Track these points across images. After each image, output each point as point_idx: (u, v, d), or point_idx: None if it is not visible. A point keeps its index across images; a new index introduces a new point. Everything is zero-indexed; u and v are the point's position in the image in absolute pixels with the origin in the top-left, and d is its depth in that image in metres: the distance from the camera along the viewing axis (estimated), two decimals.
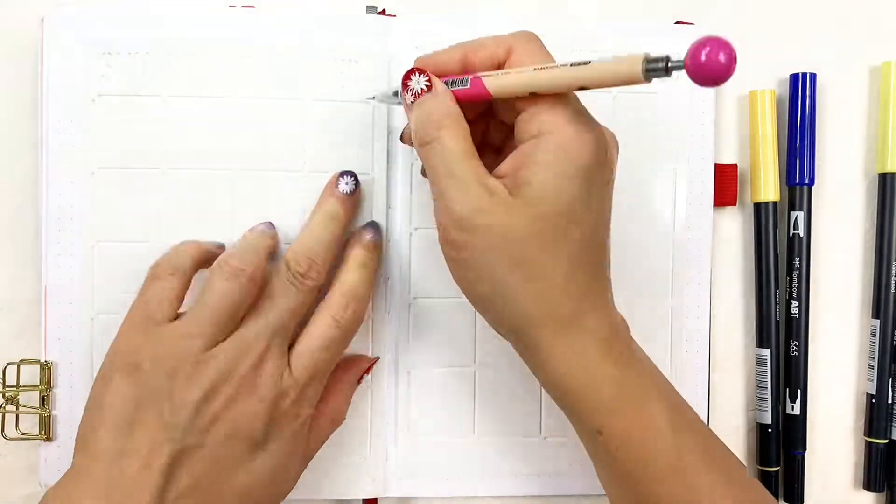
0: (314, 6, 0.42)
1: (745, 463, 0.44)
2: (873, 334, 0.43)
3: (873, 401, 0.43)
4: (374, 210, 0.40)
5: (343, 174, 0.38)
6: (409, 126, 0.33)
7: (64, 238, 0.40)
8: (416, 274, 0.41)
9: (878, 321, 0.43)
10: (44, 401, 0.40)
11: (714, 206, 0.42)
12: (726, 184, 0.43)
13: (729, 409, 0.44)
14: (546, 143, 0.30)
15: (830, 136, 0.44)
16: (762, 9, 0.44)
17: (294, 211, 0.40)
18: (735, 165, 0.43)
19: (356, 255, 0.37)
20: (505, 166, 0.32)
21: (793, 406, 0.43)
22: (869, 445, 0.44)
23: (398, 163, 0.41)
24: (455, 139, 0.31)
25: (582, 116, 0.31)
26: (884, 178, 0.43)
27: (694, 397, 0.42)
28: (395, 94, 0.36)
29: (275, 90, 0.40)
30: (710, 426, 0.42)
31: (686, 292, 0.42)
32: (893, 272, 0.43)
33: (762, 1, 0.44)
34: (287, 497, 0.39)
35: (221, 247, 0.39)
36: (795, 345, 0.43)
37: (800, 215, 0.43)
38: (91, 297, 0.40)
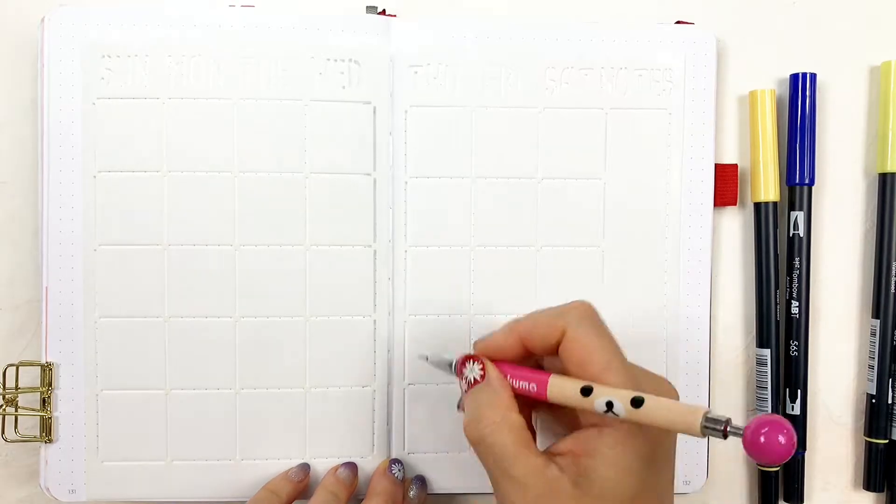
0: (314, 6, 0.42)
1: (745, 463, 0.44)
2: (873, 334, 0.43)
3: (873, 401, 0.43)
4: (376, 211, 0.40)
5: (394, 462, 0.41)
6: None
7: (64, 238, 0.40)
8: (412, 283, 0.41)
9: (878, 321, 0.43)
10: (44, 402, 0.40)
11: (714, 206, 0.42)
12: (726, 184, 0.43)
13: (729, 409, 0.44)
14: (606, 436, 0.30)
15: (830, 136, 0.44)
16: (762, 9, 0.44)
17: (294, 212, 0.40)
18: (735, 165, 0.43)
19: None
20: (566, 445, 0.31)
21: (793, 406, 0.43)
22: (869, 445, 0.44)
23: (399, 163, 0.41)
24: (504, 435, 0.31)
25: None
26: (884, 178, 0.43)
27: (694, 397, 0.42)
28: (449, 365, 0.35)
29: (275, 90, 0.40)
30: None
31: (686, 292, 0.42)
32: (893, 272, 0.43)
33: (762, 1, 0.44)
34: (288, 498, 0.39)
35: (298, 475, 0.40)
36: (795, 345, 0.43)
37: (800, 215, 0.43)
38: (92, 298, 0.40)
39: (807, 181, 0.43)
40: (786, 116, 0.43)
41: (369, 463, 0.41)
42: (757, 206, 0.43)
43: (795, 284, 0.43)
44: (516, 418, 0.31)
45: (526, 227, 0.41)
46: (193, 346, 0.40)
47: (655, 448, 0.30)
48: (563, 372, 0.31)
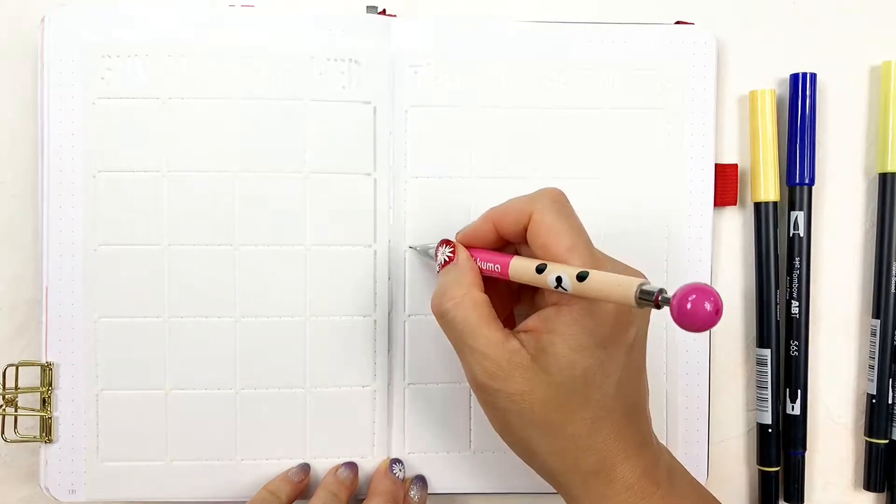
0: (314, 6, 0.42)
1: (745, 463, 0.44)
2: (873, 334, 0.43)
3: (873, 401, 0.43)
4: (376, 211, 0.40)
5: (394, 461, 0.41)
6: None
7: (64, 238, 0.40)
8: (411, 286, 0.41)
9: (878, 321, 0.43)
10: (44, 402, 0.40)
11: (714, 206, 0.42)
12: (726, 184, 0.43)
13: (729, 409, 0.44)
14: (562, 314, 0.32)
15: (830, 136, 0.44)
16: (762, 9, 0.44)
17: (294, 212, 0.40)
18: (735, 165, 0.43)
19: None
20: (529, 323, 0.33)
21: (793, 406, 0.43)
22: (869, 445, 0.44)
23: (399, 163, 0.41)
24: (466, 309, 0.33)
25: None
26: (884, 178, 0.43)
27: (694, 397, 0.42)
28: (428, 252, 0.38)
29: (275, 90, 0.40)
30: (711, 427, 0.43)
31: None
32: (893, 272, 0.43)
33: (762, 1, 0.44)
34: (288, 498, 0.39)
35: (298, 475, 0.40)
36: (795, 345, 0.43)
37: (800, 215, 0.43)
38: (92, 298, 0.40)
39: (807, 181, 0.43)
40: (786, 116, 0.43)
41: (369, 463, 0.41)
42: (757, 206, 0.43)
43: (795, 284, 0.43)
44: (479, 295, 0.33)
45: None
46: (193, 347, 0.40)
47: (611, 330, 0.32)
48: (531, 256, 0.33)
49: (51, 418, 0.40)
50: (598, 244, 0.41)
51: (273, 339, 0.40)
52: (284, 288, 0.40)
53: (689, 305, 0.25)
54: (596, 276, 0.29)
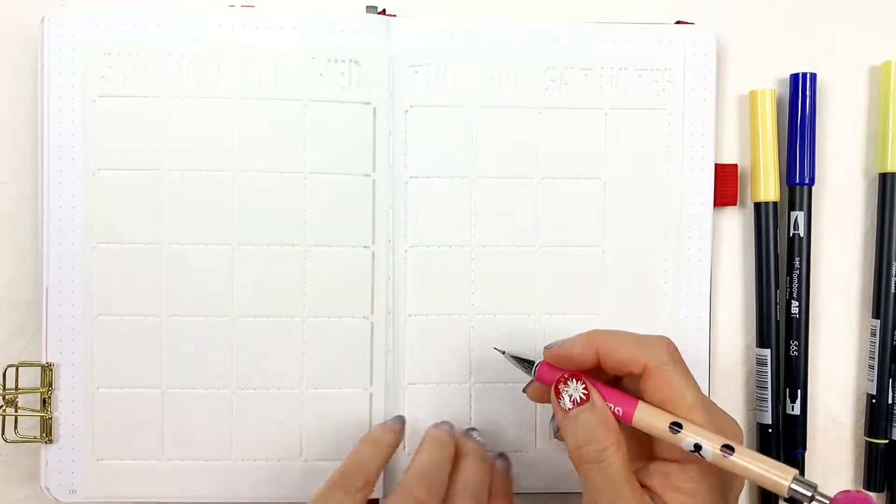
0: (314, 6, 0.42)
1: None
2: (873, 334, 0.43)
3: (873, 401, 0.43)
4: (374, 213, 0.40)
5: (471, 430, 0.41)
6: (563, 431, 0.33)
7: (64, 238, 0.40)
8: (412, 283, 0.41)
9: (878, 321, 0.43)
10: (44, 403, 0.40)
11: (714, 206, 0.42)
12: (726, 184, 0.43)
13: (729, 409, 0.44)
14: (689, 471, 0.32)
15: (830, 136, 0.44)
16: (762, 9, 0.44)
17: (293, 212, 0.40)
18: (735, 165, 0.43)
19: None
20: (649, 478, 0.32)
21: (793, 406, 0.43)
22: (869, 445, 0.44)
23: (399, 163, 0.41)
24: (620, 459, 0.32)
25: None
26: (884, 178, 0.43)
27: None
28: (524, 363, 0.36)
29: (275, 90, 0.40)
30: None
31: (686, 292, 0.42)
32: (893, 272, 0.43)
33: (762, 1, 0.44)
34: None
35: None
36: (795, 345, 0.43)
37: (800, 215, 0.43)
38: (91, 297, 0.40)
39: (807, 181, 0.43)
40: (786, 116, 0.43)
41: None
42: (757, 206, 0.43)
43: (795, 284, 0.43)
44: (624, 443, 0.32)
45: (526, 227, 0.41)
46: (191, 346, 0.40)
47: (729, 485, 0.32)
48: (640, 398, 0.33)
49: (51, 419, 0.40)
50: (598, 243, 0.42)
51: (271, 340, 0.40)
52: (282, 288, 0.40)
53: None
54: (743, 454, 0.30)
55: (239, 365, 0.40)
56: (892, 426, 0.43)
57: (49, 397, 0.40)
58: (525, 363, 0.36)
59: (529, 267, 0.42)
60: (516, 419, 0.42)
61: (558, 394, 0.33)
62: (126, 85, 0.40)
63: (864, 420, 0.44)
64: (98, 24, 0.39)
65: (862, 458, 0.44)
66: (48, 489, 0.40)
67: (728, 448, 0.30)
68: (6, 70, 0.41)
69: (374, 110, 0.40)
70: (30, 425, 0.40)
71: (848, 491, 0.26)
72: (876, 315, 0.43)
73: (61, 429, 0.40)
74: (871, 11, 0.45)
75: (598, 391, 0.33)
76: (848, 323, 0.45)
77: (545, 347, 0.35)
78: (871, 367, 0.43)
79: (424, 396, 0.41)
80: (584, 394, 0.33)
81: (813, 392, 0.44)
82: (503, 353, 0.37)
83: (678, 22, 0.43)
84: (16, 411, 0.40)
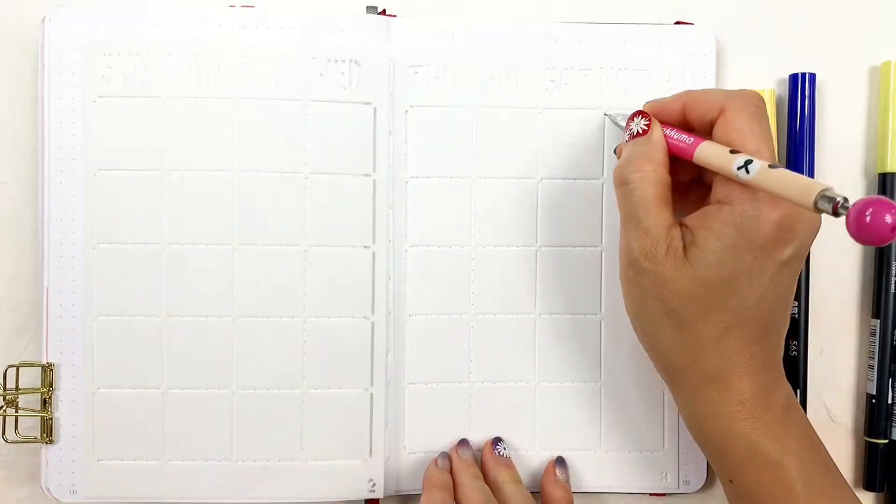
0: (314, 6, 0.42)
1: None
2: (873, 334, 0.43)
3: (873, 401, 0.43)
4: (375, 213, 0.40)
5: (496, 441, 0.41)
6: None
7: (64, 238, 0.40)
8: (412, 283, 0.41)
9: (878, 321, 0.43)
10: (45, 403, 0.40)
11: None
12: None
13: None
14: (724, 212, 0.32)
15: (830, 136, 0.44)
16: (762, 9, 0.44)
17: (293, 212, 0.40)
18: None
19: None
20: (692, 218, 0.34)
21: None
22: (869, 445, 0.44)
23: (399, 163, 0.41)
24: (648, 185, 0.33)
25: (771, 196, 0.32)
26: (884, 178, 0.43)
27: None
28: (624, 121, 0.38)
29: (275, 90, 0.40)
30: None
31: None
32: (893, 272, 0.43)
33: (762, 1, 0.44)
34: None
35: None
36: (795, 345, 0.43)
37: None
38: (91, 297, 0.40)
39: None
40: (786, 116, 0.43)
41: (370, 463, 0.41)
42: None
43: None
44: (664, 175, 0.34)
45: (526, 227, 0.41)
46: (191, 346, 0.40)
47: (768, 241, 0.32)
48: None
49: (51, 419, 0.40)
50: (598, 244, 0.42)
51: (271, 340, 0.40)
52: (283, 288, 0.40)
53: (867, 218, 0.25)
54: (784, 172, 0.29)
55: (239, 365, 0.40)
56: (892, 426, 0.43)
57: (49, 397, 0.40)
58: (623, 118, 0.38)
59: (529, 267, 0.42)
60: (516, 420, 0.42)
61: (626, 127, 0.36)
62: (126, 85, 0.40)
63: (864, 420, 0.44)
64: (98, 25, 0.39)
65: (862, 458, 0.44)
66: (48, 489, 0.40)
67: (773, 166, 0.30)
68: (6, 70, 0.41)
69: (374, 110, 0.40)
70: (30, 426, 0.40)
71: (868, 196, 0.26)
72: (876, 315, 0.43)
73: (61, 429, 0.40)
74: (871, 11, 0.45)
75: (668, 131, 0.35)
76: (848, 323, 0.45)
77: (645, 102, 0.37)
78: (871, 367, 0.43)
79: (424, 396, 0.41)
80: (644, 127, 0.35)
81: (813, 392, 0.44)
82: (606, 115, 0.41)
83: (678, 22, 0.43)
84: (16, 412, 0.40)
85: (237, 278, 0.40)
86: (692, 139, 0.34)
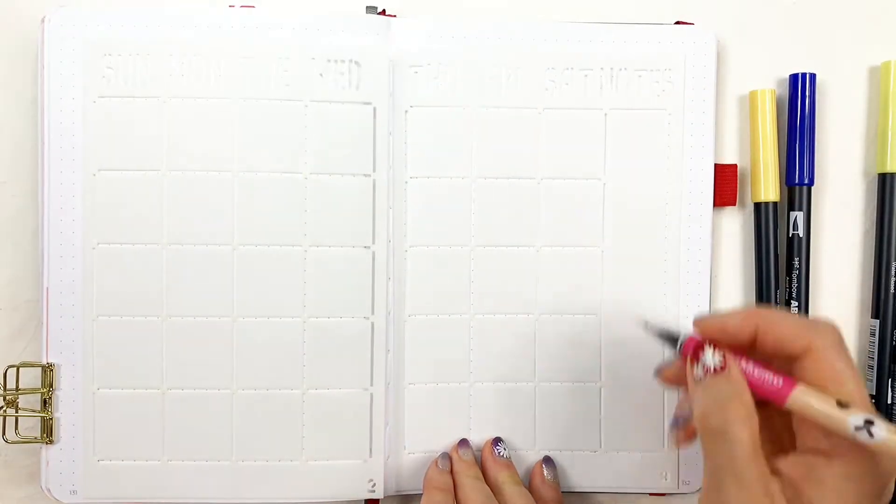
0: (314, 6, 0.42)
1: None
2: (873, 334, 0.43)
3: (873, 401, 0.43)
4: (374, 213, 0.40)
5: (497, 441, 0.41)
6: (691, 398, 0.31)
7: (64, 239, 0.40)
8: (412, 287, 0.41)
9: (878, 321, 0.43)
10: (45, 403, 0.40)
11: (714, 206, 0.42)
12: (726, 184, 0.43)
13: None
14: (835, 467, 0.29)
15: (830, 136, 0.44)
16: (762, 9, 0.44)
17: (293, 213, 0.40)
18: (735, 165, 0.43)
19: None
20: (787, 466, 0.30)
21: None
22: None
23: (399, 163, 0.41)
24: (748, 434, 0.29)
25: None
26: (884, 178, 0.43)
27: None
28: (669, 338, 0.33)
29: (275, 91, 0.40)
30: None
31: (686, 292, 0.42)
32: (893, 272, 0.43)
33: (762, 1, 0.44)
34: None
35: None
36: None
37: (800, 215, 0.43)
38: (91, 297, 0.40)
39: (806, 181, 0.43)
40: (786, 116, 0.43)
41: (369, 464, 0.41)
42: (757, 206, 0.43)
43: (795, 284, 0.43)
44: (757, 420, 0.29)
45: (526, 227, 0.41)
46: (191, 346, 0.40)
47: (881, 491, 0.29)
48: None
49: (51, 419, 0.40)
50: (598, 244, 0.42)
51: (271, 340, 0.40)
52: (282, 289, 0.40)
53: None
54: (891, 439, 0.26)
55: (239, 365, 0.40)
56: None
57: (49, 398, 0.40)
58: (670, 338, 0.33)
59: (529, 267, 0.42)
60: (516, 420, 0.42)
61: (694, 359, 0.31)
62: (126, 85, 0.40)
63: None
64: (98, 24, 0.39)
65: None
66: (49, 489, 0.40)
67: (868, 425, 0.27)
68: (6, 70, 0.41)
69: (374, 110, 0.40)
70: (30, 426, 0.40)
71: None
72: (875, 315, 0.43)
73: (62, 429, 0.40)
74: (871, 11, 0.45)
75: (745, 365, 0.30)
76: (848, 323, 0.45)
77: (694, 319, 0.32)
78: (871, 367, 0.43)
79: (424, 396, 0.41)
80: (720, 364, 0.30)
81: None
82: (645, 323, 0.34)
83: (678, 22, 0.43)
84: (16, 412, 0.40)
85: (237, 278, 0.40)
86: (779, 380, 0.30)
